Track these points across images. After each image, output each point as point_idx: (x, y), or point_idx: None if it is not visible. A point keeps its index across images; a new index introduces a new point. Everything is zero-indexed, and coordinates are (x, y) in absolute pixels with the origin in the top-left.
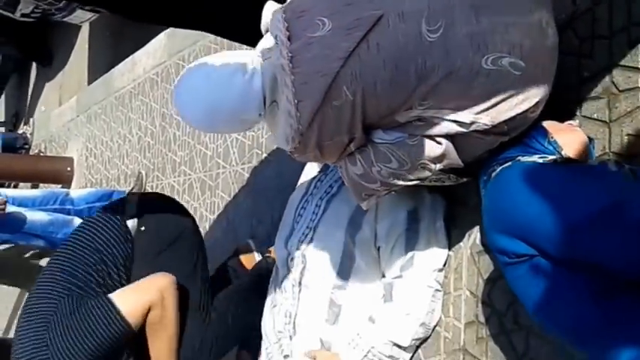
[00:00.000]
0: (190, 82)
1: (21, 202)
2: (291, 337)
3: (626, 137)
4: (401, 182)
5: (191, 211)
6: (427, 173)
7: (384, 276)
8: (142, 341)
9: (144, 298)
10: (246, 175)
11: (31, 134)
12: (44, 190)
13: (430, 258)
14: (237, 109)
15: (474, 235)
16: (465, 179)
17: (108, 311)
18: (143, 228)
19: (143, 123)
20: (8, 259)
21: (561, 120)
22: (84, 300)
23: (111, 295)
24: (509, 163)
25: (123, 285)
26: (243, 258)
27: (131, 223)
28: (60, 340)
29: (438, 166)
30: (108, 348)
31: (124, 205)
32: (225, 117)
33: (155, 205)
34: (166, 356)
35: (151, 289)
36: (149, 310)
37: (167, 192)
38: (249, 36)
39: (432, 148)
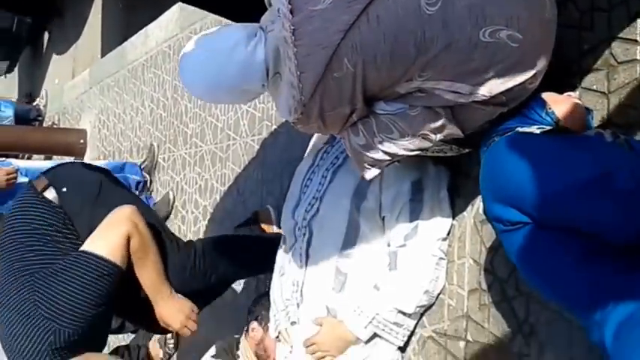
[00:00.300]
0: (193, 56)
1: (33, 174)
2: (298, 305)
3: (624, 108)
4: (402, 152)
5: (202, 183)
6: (428, 144)
7: (388, 245)
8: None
9: (118, 232)
10: (256, 147)
11: (45, 106)
12: (57, 161)
13: (434, 227)
14: (239, 81)
15: (477, 204)
16: (466, 150)
17: (88, 260)
18: (65, 189)
19: (155, 95)
20: None
21: (561, 91)
22: (51, 267)
23: (83, 247)
24: (508, 134)
25: (76, 243)
26: (264, 227)
27: (50, 194)
28: (56, 309)
29: (439, 137)
30: (104, 294)
31: (32, 186)
32: (228, 89)
33: (62, 168)
34: (158, 281)
35: (120, 220)
36: (129, 241)
37: (179, 164)
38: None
39: (432, 119)
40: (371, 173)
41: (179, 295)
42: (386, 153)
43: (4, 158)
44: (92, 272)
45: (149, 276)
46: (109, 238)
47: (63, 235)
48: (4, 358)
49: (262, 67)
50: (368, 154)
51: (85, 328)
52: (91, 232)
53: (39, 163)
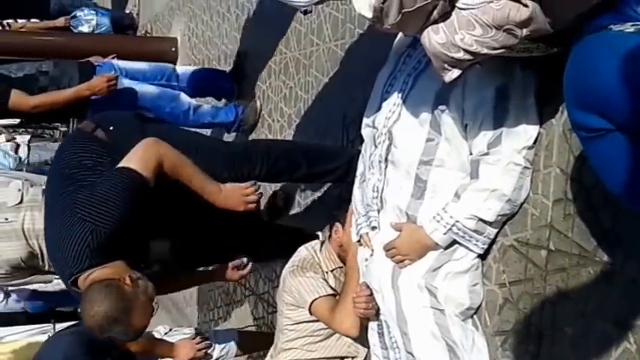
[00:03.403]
0: None
1: (132, 75)
2: (378, 211)
3: None
4: (485, 50)
5: (287, 92)
6: (513, 40)
7: (470, 153)
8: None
9: (149, 155)
10: (340, 53)
11: (137, 14)
12: (152, 64)
13: (519, 135)
14: None
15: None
16: (554, 49)
17: (122, 172)
18: (112, 128)
19: (240, 0)
20: None
21: None
22: (92, 183)
23: (118, 165)
24: (599, 32)
25: None
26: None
27: (99, 134)
28: (93, 211)
29: (525, 32)
30: (136, 204)
31: (80, 129)
32: None
33: (106, 112)
34: (204, 184)
35: (149, 147)
36: (160, 164)
37: (264, 72)
38: None
39: (518, 12)
40: (451, 75)
41: (227, 183)
42: (467, 52)
43: (104, 60)
44: (125, 182)
45: (195, 184)
46: (140, 158)
47: (115, 164)
48: None
49: None
50: (448, 53)
51: (119, 233)
52: None
53: (137, 64)
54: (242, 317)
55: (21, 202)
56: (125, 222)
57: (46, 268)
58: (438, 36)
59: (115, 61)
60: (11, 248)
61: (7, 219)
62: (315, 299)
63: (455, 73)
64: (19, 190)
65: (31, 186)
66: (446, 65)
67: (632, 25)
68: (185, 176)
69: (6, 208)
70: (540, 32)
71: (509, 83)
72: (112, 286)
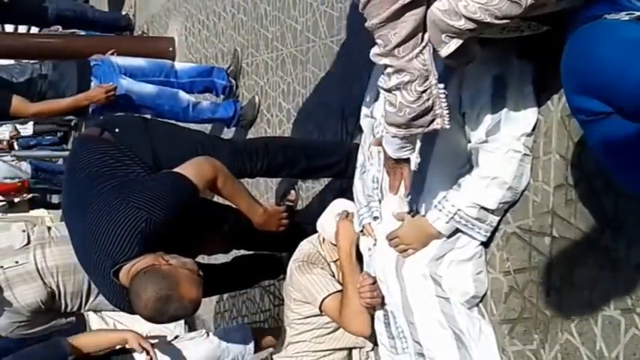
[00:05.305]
0: None
1: (131, 72)
2: (380, 201)
3: None
4: (489, 19)
5: (284, 87)
6: (517, 10)
7: (469, 141)
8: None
9: (205, 170)
10: (336, 49)
11: (134, 15)
12: (150, 60)
13: (518, 122)
14: None
15: (565, 98)
16: (544, 28)
17: (177, 175)
18: (117, 130)
19: None
20: None
21: None
22: (136, 177)
23: (173, 170)
24: (595, 22)
25: (145, 167)
26: None
27: (107, 136)
28: (148, 201)
29: (530, 0)
30: (187, 206)
31: (87, 134)
32: None
33: (109, 116)
34: (250, 204)
35: (207, 163)
36: (215, 179)
37: (262, 68)
38: None
39: None
40: (447, 49)
41: (269, 206)
42: (469, 20)
43: (103, 57)
44: (176, 187)
45: (243, 203)
46: (196, 169)
47: (131, 161)
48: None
49: None
50: (449, 21)
51: (170, 227)
52: (154, 156)
53: (135, 61)
54: (248, 310)
55: (28, 242)
56: (172, 223)
57: (67, 308)
58: (441, 2)
59: (114, 58)
60: (30, 291)
61: (17, 262)
62: (325, 297)
63: (452, 45)
64: (24, 230)
65: (34, 225)
66: (443, 36)
67: (627, 14)
68: (236, 193)
69: (14, 251)
70: (546, 3)
71: (507, 72)
72: (149, 271)
